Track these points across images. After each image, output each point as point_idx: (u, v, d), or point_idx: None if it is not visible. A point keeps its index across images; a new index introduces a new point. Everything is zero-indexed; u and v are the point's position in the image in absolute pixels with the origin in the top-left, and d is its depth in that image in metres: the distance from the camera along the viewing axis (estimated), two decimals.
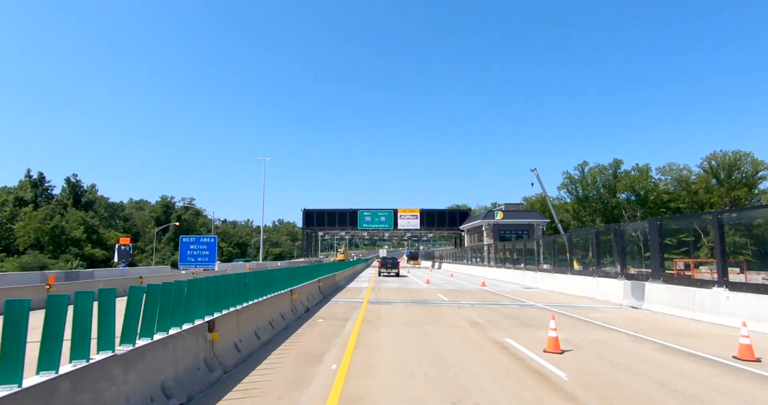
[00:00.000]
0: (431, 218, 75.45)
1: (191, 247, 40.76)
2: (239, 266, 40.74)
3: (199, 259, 40.49)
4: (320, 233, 79.21)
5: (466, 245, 70.61)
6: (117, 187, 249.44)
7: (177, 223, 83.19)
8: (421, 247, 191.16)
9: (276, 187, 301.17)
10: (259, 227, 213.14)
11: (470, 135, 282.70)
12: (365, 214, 75.20)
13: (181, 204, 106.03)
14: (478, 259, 53.21)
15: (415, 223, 74.93)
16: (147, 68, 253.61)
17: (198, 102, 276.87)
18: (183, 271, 33.24)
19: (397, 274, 42.09)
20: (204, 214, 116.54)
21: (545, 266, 29.78)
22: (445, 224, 75.36)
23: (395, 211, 75.36)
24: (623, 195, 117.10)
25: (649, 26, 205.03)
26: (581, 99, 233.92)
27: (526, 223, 58.91)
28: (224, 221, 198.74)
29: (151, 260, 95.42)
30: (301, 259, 74.96)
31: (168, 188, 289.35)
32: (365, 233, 79.00)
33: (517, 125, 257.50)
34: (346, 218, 75.28)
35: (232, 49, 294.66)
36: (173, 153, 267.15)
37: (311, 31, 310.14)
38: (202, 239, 41.55)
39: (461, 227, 72.00)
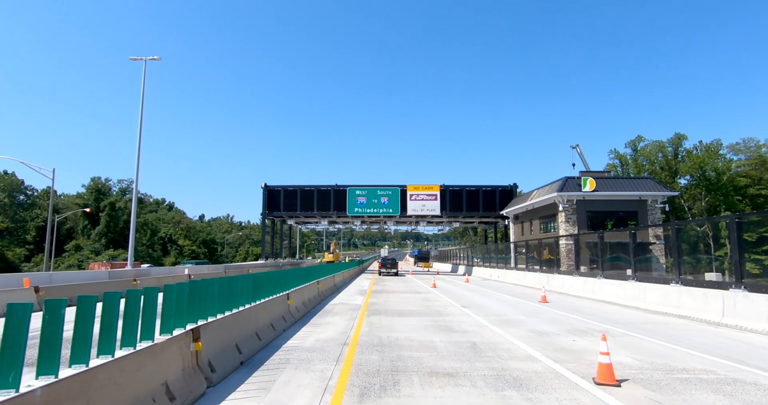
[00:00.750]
0: (456, 200, 50.38)
1: None
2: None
3: None
4: (291, 222, 54.16)
5: (512, 238, 45.71)
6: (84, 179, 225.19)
7: (88, 210, 58.05)
8: (429, 247, 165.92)
9: (264, 178, 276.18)
10: (240, 223, 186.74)
11: (487, 114, 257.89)
12: (357, 193, 50.22)
13: (117, 188, 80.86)
14: (533, 262, 29.00)
15: (433, 207, 49.94)
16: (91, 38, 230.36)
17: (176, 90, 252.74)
18: None
19: (396, 274, 43.66)
20: (149, 200, 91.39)
21: None
22: (478, 209, 50.37)
23: (403, 190, 50.45)
24: (683, 180, 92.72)
25: None
26: (627, 71, 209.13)
27: (632, 199, 34.02)
28: (202, 217, 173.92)
29: (61, 263, 70.38)
30: (260, 262, 49.87)
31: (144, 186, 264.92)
32: (358, 223, 53.92)
33: (552, 94, 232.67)
34: (330, 200, 50.33)
35: (225, 46, 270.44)
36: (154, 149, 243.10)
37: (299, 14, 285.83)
38: None
39: (504, 211, 46.97)
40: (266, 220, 52.79)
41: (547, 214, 37.44)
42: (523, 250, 36.74)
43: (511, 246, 41.29)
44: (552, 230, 36.64)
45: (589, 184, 33.45)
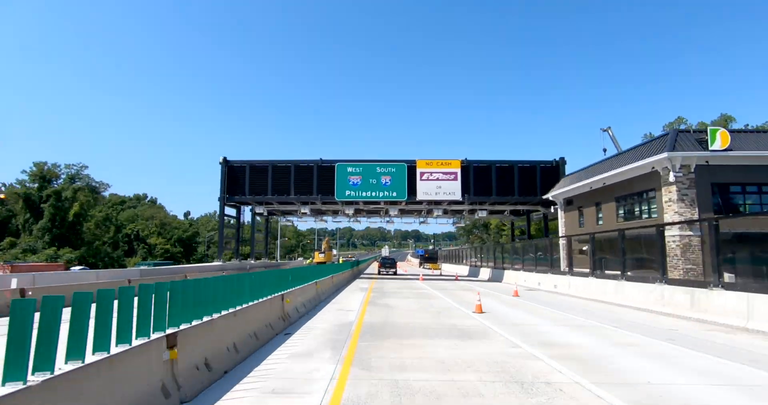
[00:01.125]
0: (484, 180, 37.48)
1: None
2: None
3: None
4: (261, 210, 41.15)
5: (562, 231, 33.08)
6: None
7: (2, 196, 45.09)
8: (434, 248, 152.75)
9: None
10: (230, 221, 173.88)
11: (487, 111, 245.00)
12: (350, 171, 37.36)
13: (65, 174, 67.81)
14: (633, 266, 16.56)
15: (452, 189, 37.09)
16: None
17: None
18: None
19: (395, 273, 45.19)
20: (104, 190, 78.52)
21: None
22: (512, 192, 37.47)
23: (411, 166, 37.54)
24: None
25: None
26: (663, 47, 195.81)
27: None
28: (187, 214, 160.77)
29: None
30: (215, 264, 37.01)
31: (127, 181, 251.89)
32: (350, 211, 40.73)
33: (578, 69, 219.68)
34: (312, 180, 37.47)
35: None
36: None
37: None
38: None
39: (551, 195, 34.14)
40: (228, 207, 39.93)
41: (632, 191, 24.57)
42: (584, 248, 24.08)
43: (561, 242, 28.67)
44: (643, 216, 23.78)
45: (721, 139, 20.56)
